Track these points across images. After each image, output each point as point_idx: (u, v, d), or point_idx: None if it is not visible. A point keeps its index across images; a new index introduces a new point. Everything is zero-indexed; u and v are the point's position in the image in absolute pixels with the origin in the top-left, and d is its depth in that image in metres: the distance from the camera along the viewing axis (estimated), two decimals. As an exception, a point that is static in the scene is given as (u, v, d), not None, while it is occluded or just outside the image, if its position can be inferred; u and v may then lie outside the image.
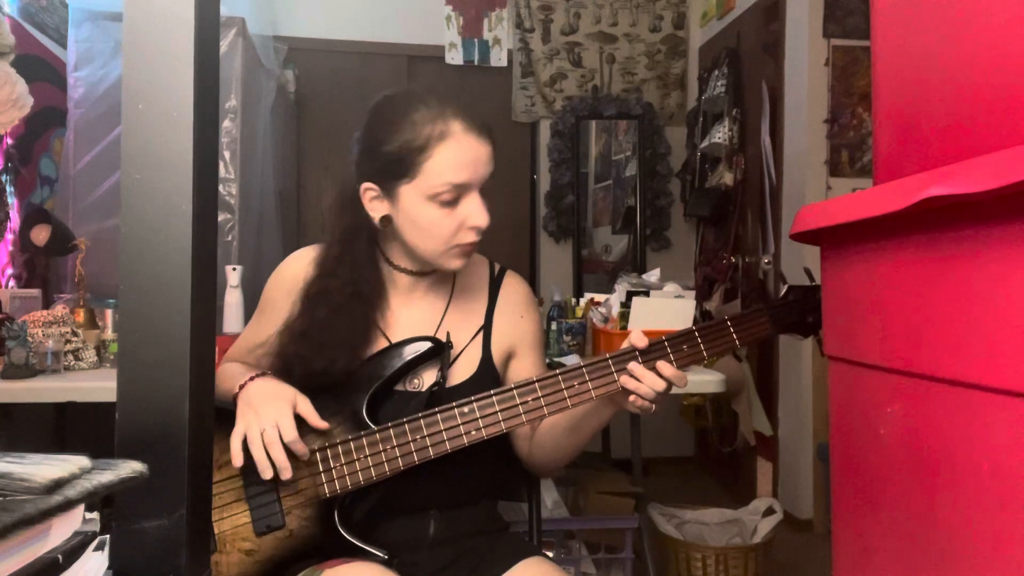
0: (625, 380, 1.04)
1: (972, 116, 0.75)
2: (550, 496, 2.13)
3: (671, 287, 2.18)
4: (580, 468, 2.59)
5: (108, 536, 0.47)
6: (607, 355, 1.06)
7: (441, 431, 1.05)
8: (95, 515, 0.45)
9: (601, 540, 2.13)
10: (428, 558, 1.12)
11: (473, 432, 1.04)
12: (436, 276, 1.19)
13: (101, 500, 0.42)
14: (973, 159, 0.66)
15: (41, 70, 2.69)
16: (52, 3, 2.82)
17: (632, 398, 1.05)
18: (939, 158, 0.79)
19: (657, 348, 1.06)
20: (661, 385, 1.03)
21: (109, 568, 0.47)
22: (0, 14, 1.86)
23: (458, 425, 1.04)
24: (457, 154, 1.06)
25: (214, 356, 0.53)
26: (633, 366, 1.04)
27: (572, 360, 1.92)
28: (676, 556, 2.30)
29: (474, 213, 1.08)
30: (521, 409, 1.05)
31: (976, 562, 0.70)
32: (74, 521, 0.43)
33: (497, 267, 1.27)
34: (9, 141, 2.52)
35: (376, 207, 1.11)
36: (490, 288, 1.23)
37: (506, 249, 4.08)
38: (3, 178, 2.48)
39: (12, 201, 2.54)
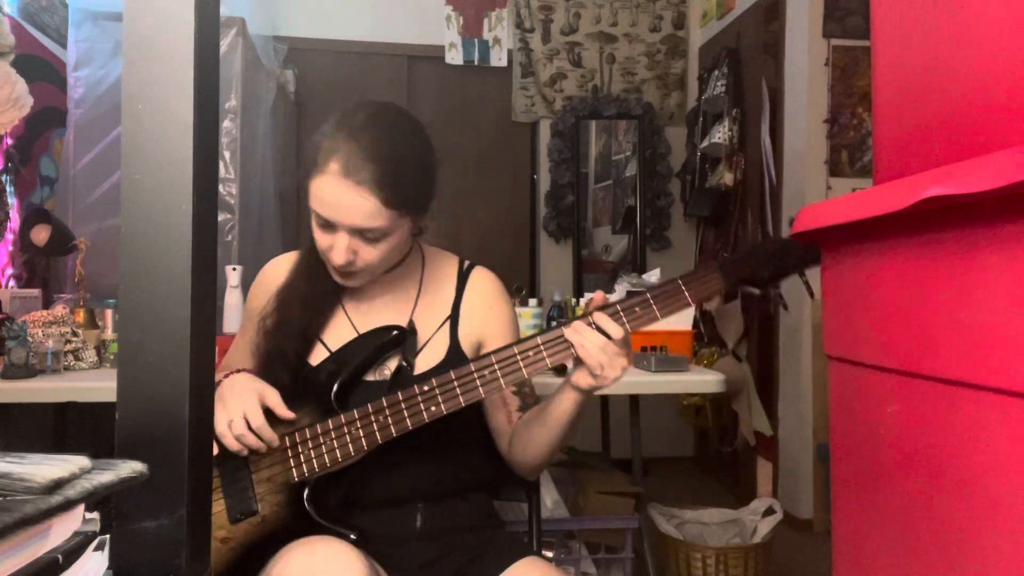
0: (569, 333, 1.06)
1: (972, 116, 0.75)
2: (550, 496, 2.13)
3: (671, 287, 2.18)
4: (580, 468, 2.59)
5: (108, 536, 0.47)
6: (560, 325, 1.08)
7: (402, 409, 1.07)
8: (95, 515, 0.45)
9: (601, 540, 2.13)
10: (416, 551, 1.13)
11: (433, 408, 1.07)
12: (394, 274, 1.23)
13: (101, 500, 0.42)
14: (973, 159, 0.66)
15: (41, 70, 2.69)
16: (52, 3, 2.82)
17: (582, 353, 1.04)
18: (939, 158, 0.79)
19: (609, 311, 1.07)
20: (600, 338, 1.04)
21: (109, 568, 0.47)
22: (0, 14, 1.86)
23: (418, 403, 1.07)
24: (322, 191, 1.08)
25: (214, 356, 0.53)
26: (576, 324, 1.06)
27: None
28: (676, 556, 2.30)
29: (334, 250, 1.11)
30: (479, 382, 1.07)
31: (976, 562, 0.70)
32: (74, 521, 0.43)
33: (467, 263, 1.30)
34: (9, 141, 2.52)
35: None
36: (458, 281, 1.27)
37: (506, 249, 4.08)
38: (3, 178, 2.48)
39: (12, 201, 2.54)
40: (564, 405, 1.12)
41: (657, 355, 1.90)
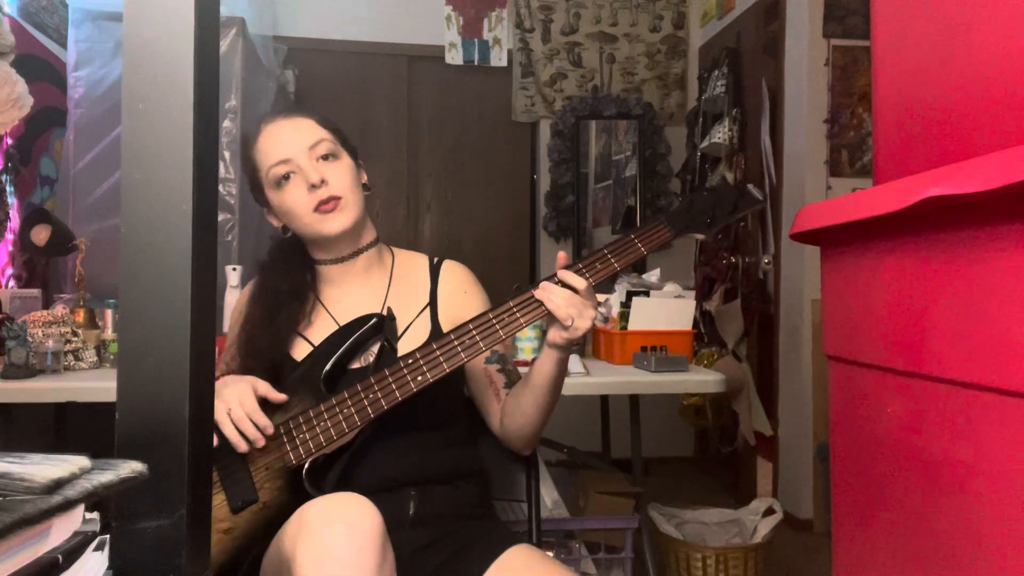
0: (538, 293, 1.12)
1: (972, 116, 0.75)
2: (550, 496, 2.13)
3: (671, 287, 2.18)
4: (580, 468, 2.59)
5: (108, 536, 0.47)
6: (531, 287, 1.14)
7: (390, 383, 1.11)
8: (95, 515, 0.45)
9: (601, 540, 2.13)
10: (409, 537, 1.15)
11: (419, 377, 1.11)
12: (364, 261, 1.29)
13: (101, 500, 0.42)
14: (973, 159, 0.66)
15: (41, 70, 2.69)
16: (52, 3, 2.81)
17: (552, 307, 1.11)
18: (939, 158, 0.79)
19: (572, 268, 1.14)
20: (566, 292, 1.11)
21: (109, 568, 0.47)
22: (0, 14, 1.86)
23: (404, 375, 1.11)
24: (266, 140, 1.23)
25: (214, 356, 0.53)
26: (544, 284, 1.13)
27: (572, 360, 1.92)
28: (676, 556, 2.30)
29: (306, 173, 1.20)
30: (459, 347, 1.11)
31: (976, 562, 0.70)
32: (74, 521, 0.43)
33: (436, 258, 1.38)
34: (9, 141, 2.52)
35: (274, 221, 1.29)
36: (431, 274, 1.34)
37: (506, 249, 4.08)
38: (3, 178, 2.48)
39: (12, 201, 2.54)
40: (546, 366, 1.17)
41: (657, 355, 1.90)
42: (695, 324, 2.40)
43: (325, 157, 1.22)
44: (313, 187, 1.19)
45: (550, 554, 1.94)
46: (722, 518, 2.48)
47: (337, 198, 1.21)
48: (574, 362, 1.89)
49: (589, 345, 2.21)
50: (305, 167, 1.20)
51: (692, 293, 2.17)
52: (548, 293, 1.11)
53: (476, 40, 3.99)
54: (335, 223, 1.22)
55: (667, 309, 2.08)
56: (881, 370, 0.86)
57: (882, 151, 0.94)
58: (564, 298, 1.10)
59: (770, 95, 3.27)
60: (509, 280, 2.70)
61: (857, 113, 3.01)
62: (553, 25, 4.04)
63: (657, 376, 1.86)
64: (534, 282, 1.14)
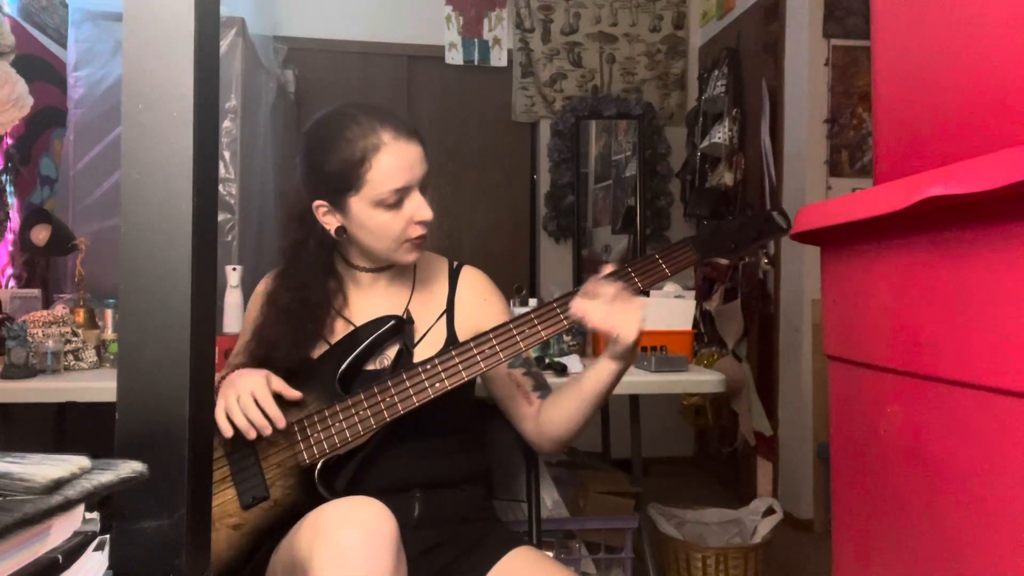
0: (574, 313, 1.11)
1: (972, 116, 0.75)
2: (550, 496, 2.13)
3: (671, 287, 2.18)
4: (580, 468, 2.59)
5: (108, 536, 0.47)
6: (554, 300, 1.14)
7: (407, 387, 1.11)
8: (95, 515, 0.45)
9: (601, 540, 2.13)
10: (415, 538, 1.15)
11: (437, 384, 1.11)
12: (396, 270, 1.28)
13: (101, 500, 0.42)
14: (973, 159, 0.66)
15: (41, 70, 2.69)
16: (52, 3, 2.81)
17: (594, 323, 1.09)
18: (939, 158, 0.79)
19: (600, 279, 1.13)
20: (601, 302, 1.09)
21: (109, 568, 0.47)
22: (0, 14, 1.86)
23: (422, 380, 1.11)
24: (393, 161, 1.15)
25: (214, 356, 0.53)
26: (576, 300, 1.12)
27: (573, 360, 1.93)
28: (676, 556, 2.30)
29: (418, 210, 1.18)
30: (479, 357, 1.11)
31: (976, 562, 0.70)
32: (74, 521, 0.43)
33: (455, 263, 1.36)
34: (9, 141, 2.52)
35: (330, 220, 1.21)
36: (450, 279, 1.33)
37: (506, 249, 4.08)
38: (3, 178, 2.48)
39: (12, 201, 2.54)
40: (603, 378, 1.15)
41: (657, 355, 1.90)
42: (695, 324, 2.40)
43: (423, 190, 1.19)
44: (422, 223, 1.18)
45: (549, 554, 1.94)
46: (722, 518, 2.48)
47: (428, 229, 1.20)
48: (574, 362, 1.89)
49: (589, 345, 2.21)
50: (420, 203, 1.17)
51: (692, 293, 2.17)
52: (584, 311, 1.09)
53: (476, 40, 3.99)
54: (417, 254, 1.22)
55: (667, 309, 2.08)
56: (881, 370, 0.86)
57: (882, 151, 0.94)
58: (601, 308, 1.08)
59: (770, 95, 3.27)
60: (509, 280, 2.70)
61: (857, 113, 3.01)
62: (553, 25, 4.04)
63: (657, 376, 1.86)
64: (535, 283, 1.14)
